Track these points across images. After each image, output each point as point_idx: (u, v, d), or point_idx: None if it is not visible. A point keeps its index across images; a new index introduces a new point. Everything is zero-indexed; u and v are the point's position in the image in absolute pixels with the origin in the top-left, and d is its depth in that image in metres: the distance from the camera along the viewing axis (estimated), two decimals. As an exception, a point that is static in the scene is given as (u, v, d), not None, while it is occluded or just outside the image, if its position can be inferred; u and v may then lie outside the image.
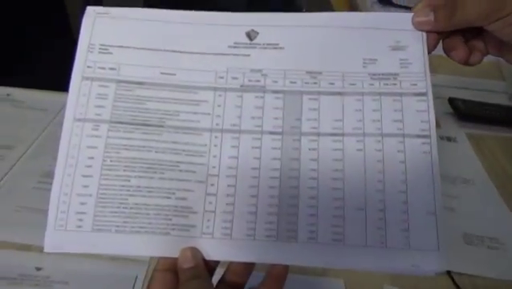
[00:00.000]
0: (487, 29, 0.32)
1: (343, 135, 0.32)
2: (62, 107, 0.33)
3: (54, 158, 0.31)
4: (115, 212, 0.31)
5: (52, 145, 0.32)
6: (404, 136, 0.32)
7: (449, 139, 0.65)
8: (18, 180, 0.56)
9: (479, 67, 0.36)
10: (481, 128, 0.68)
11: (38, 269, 0.46)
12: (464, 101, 0.69)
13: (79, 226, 0.31)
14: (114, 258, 0.47)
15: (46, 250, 0.30)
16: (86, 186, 0.31)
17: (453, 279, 0.45)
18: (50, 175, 0.38)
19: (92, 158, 0.32)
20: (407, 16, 0.33)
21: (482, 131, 0.67)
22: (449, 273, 0.45)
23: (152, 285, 0.30)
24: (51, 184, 0.31)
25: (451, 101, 0.69)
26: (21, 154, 0.60)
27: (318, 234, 0.30)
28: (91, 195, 0.31)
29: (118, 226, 0.31)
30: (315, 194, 0.31)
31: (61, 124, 0.32)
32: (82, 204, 0.31)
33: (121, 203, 0.31)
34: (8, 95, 0.72)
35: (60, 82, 0.44)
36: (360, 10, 0.94)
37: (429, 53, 0.34)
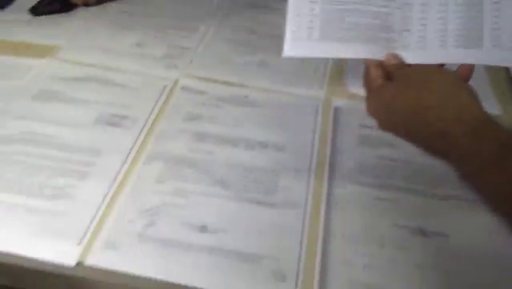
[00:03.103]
0: None
1: None
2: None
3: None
4: (336, 26, 0.41)
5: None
6: None
7: None
8: None
9: None
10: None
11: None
12: None
13: (309, 37, 0.41)
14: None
15: (284, 55, 0.41)
16: (313, 9, 0.41)
17: None
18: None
19: None
20: None
21: None
22: None
23: (368, 75, 0.39)
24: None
25: None
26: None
27: (501, 41, 0.39)
28: (317, 15, 0.41)
29: (339, 37, 0.41)
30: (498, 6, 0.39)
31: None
32: (311, 21, 0.41)
33: (340, 21, 0.41)
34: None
35: None
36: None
37: None
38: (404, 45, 0.41)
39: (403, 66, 0.40)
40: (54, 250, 0.42)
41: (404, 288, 0.41)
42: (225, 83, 0.62)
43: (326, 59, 0.67)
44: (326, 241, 0.44)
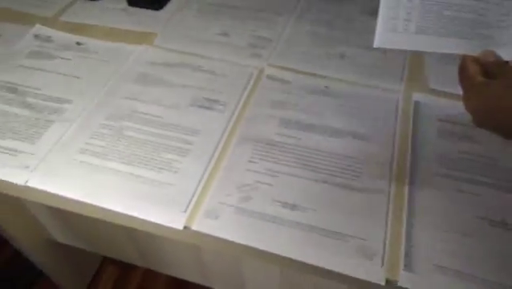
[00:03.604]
0: None
1: None
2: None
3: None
4: (434, 20, 0.42)
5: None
6: None
7: None
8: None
9: None
10: None
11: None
12: None
13: (406, 29, 0.42)
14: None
15: (375, 45, 0.42)
16: (411, 1, 0.42)
17: None
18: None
19: None
20: None
21: None
22: None
23: (465, 71, 0.40)
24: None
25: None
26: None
27: None
28: (415, 8, 0.42)
29: (436, 31, 0.42)
30: None
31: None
32: (408, 13, 0.42)
33: (438, 15, 0.42)
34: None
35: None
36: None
37: None
38: (501, 42, 0.42)
39: (502, 63, 0.40)
40: (163, 215, 0.48)
41: (485, 276, 0.43)
42: (306, 73, 0.66)
43: (405, 53, 0.69)
44: (409, 226, 0.46)
